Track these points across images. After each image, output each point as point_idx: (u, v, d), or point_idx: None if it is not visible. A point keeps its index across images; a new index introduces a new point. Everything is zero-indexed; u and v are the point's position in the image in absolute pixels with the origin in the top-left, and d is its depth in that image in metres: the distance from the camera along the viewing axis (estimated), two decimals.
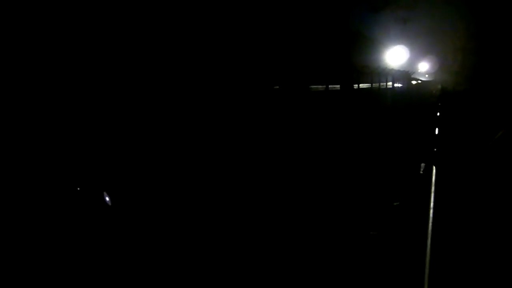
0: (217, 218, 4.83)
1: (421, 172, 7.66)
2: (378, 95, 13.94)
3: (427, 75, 34.61)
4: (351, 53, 13.10)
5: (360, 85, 11.81)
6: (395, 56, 26.87)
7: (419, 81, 30.26)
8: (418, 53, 30.14)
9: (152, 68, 5.27)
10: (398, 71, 19.58)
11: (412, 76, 25.46)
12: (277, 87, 7.81)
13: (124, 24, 4.91)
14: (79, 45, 4.42)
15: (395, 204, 5.79)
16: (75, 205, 3.96)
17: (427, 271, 3.92)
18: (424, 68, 32.64)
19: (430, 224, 4.99)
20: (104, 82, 4.58)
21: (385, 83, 15.94)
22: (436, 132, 12.93)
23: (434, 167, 7.71)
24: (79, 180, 4.10)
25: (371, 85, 13.11)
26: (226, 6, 6.56)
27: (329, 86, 9.75)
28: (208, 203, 5.03)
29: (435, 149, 9.88)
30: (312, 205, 5.56)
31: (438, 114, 18.26)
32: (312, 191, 6.02)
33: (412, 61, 29.37)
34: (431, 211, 5.42)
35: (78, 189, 4.05)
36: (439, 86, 33.32)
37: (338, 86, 10.30)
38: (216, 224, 4.73)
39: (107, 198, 4.21)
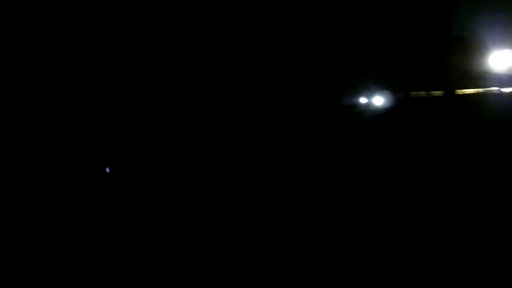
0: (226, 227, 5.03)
1: None
2: (484, 102, 13.03)
3: None
4: (453, 57, 12.49)
5: (465, 90, 11.24)
6: (501, 59, 24.51)
7: None
8: None
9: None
10: (507, 75, 17.94)
11: None
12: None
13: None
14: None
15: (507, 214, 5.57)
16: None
17: None
18: None
19: None
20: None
21: (491, 88, 14.78)
22: None
23: None
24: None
25: (477, 90, 12.33)
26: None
27: (430, 92, 9.50)
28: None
29: None
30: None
31: None
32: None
33: None
34: None
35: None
36: None
37: (440, 92, 9.96)
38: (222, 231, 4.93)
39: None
